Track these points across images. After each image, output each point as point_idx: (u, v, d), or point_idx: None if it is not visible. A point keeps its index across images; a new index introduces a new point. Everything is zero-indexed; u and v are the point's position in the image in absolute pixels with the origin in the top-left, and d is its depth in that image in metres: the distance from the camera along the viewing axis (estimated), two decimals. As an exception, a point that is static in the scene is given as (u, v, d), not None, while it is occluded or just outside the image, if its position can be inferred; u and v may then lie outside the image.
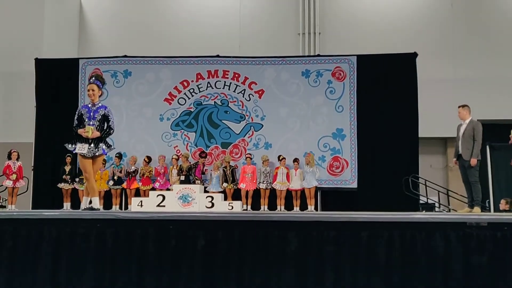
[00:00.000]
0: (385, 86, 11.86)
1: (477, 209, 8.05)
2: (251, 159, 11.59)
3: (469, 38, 14.61)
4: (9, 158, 11.29)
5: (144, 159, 11.74)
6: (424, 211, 10.89)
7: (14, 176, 11.13)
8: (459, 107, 8.50)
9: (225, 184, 11.48)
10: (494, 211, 10.26)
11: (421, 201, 11.58)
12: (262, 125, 12.12)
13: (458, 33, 14.70)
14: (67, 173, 11.61)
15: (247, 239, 5.13)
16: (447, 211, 11.69)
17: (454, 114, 8.86)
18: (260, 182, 11.43)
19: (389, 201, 10.84)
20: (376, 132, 11.73)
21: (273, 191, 11.45)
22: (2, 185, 11.59)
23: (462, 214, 7.38)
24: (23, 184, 11.43)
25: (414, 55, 11.83)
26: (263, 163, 11.48)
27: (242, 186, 11.39)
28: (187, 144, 12.18)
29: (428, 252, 4.89)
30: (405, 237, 4.95)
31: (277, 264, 5.08)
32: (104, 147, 6.41)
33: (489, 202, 10.47)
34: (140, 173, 11.69)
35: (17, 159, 11.33)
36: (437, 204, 12.05)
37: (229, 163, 11.61)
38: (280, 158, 11.47)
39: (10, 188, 11.15)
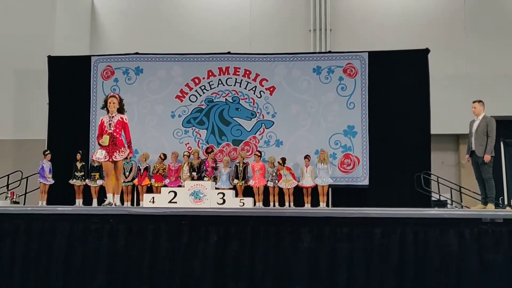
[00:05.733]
0: (397, 82, 11.77)
1: (490, 206, 7.99)
2: (260, 156, 11.52)
3: (482, 33, 14.44)
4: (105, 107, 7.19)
5: (160, 156, 11.72)
6: (436, 208, 10.79)
7: (106, 140, 6.89)
8: (473, 102, 8.43)
9: (235, 181, 11.46)
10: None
11: (433, 198, 11.51)
12: (273, 122, 12.08)
13: (471, 28, 14.54)
14: (79, 169, 11.65)
15: (259, 235, 5.13)
16: (459, 208, 11.59)
17: (467, 110, 8.78)
18: (268, 180, 11.37)
19: (401, 198, 10.78)
20: (387, 129, 11.65)
21: (281, 189, 11.37)
22: (16, 181, 11.66)
23: (476, 210, 7.31)
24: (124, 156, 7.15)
25: (426, 51, 11.73)
26: (268, 163, 11.35)
27: (251, 183, 11.35)
28: (198, 141, 12.17)
29: (442, 249, 4.85)
30: (419, 233, 4.92)
31: (289, 261, 5.07)
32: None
33: (502, 199, 10.34)
34: (153, 170, 11.71)
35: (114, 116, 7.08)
36: (449, 201, 11.97)
37: (243, 159, 11.57)
38: (280, 162, 11.27)
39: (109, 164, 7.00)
